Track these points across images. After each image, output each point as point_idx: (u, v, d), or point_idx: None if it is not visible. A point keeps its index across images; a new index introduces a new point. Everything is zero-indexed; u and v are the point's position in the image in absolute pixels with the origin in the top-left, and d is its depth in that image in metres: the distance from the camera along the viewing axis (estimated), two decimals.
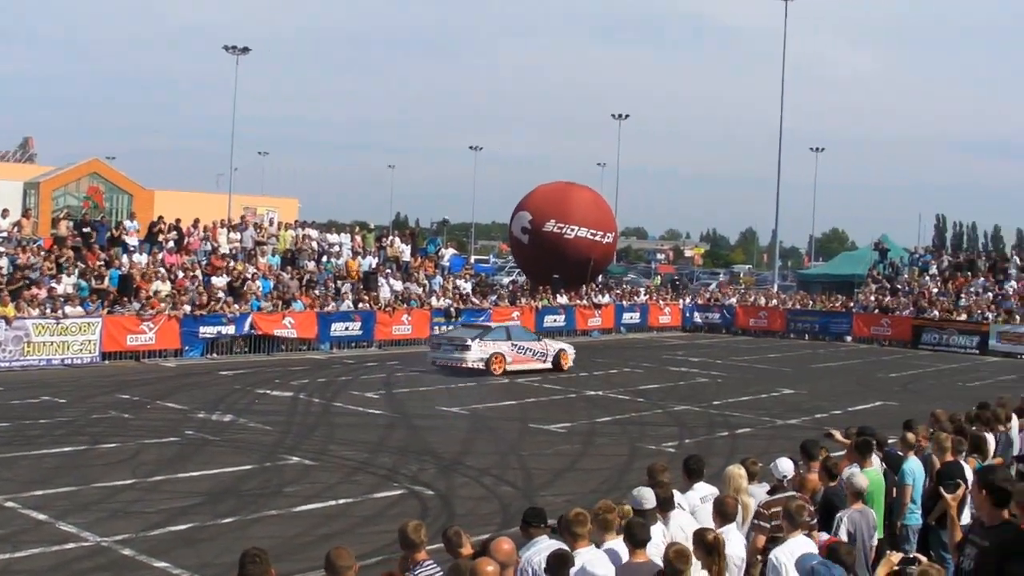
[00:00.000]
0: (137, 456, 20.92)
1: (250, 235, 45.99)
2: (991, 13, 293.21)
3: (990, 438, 15.07)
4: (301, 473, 19.87)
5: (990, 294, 56.36)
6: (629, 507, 10.05)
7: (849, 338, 55.04)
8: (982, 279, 58.62)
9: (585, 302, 53.74)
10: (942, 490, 9.93)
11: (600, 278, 60.76)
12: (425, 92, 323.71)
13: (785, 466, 12.30)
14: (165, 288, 38.73)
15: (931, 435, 14.08)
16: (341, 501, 17.77)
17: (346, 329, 42.50)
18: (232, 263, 42.72)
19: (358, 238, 51.46)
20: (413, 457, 21.83)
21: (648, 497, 10.25)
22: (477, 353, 35.53)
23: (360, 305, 43.54)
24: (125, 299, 37.20)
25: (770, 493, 11.81)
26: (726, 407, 30.19)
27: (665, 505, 10.54)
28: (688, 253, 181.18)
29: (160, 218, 44.28)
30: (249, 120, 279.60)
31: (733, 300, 61.52)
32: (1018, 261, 61.17)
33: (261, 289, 41.28)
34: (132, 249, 40.93)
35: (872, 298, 58.08)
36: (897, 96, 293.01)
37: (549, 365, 37.32)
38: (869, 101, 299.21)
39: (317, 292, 43.09)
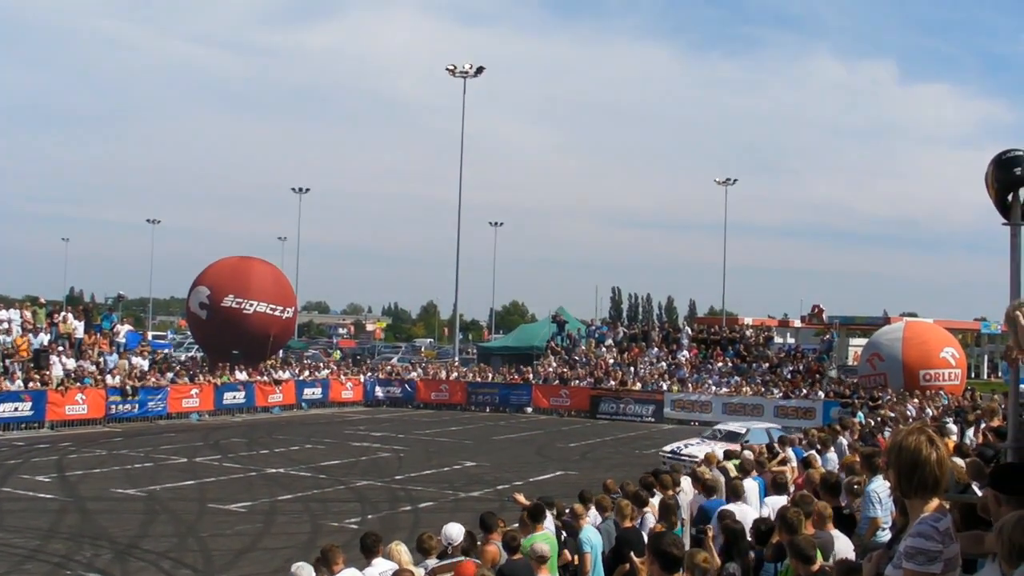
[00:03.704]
0: None
1: None
2: (649, 96, 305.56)
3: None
4: None
5: (664, 364, 58.47)
6: None
7: (530, 409, 56.08)
8: (656, 349, 60.81)
9: (266, 378, 53.20)
10: (632, 556, 10.19)
11: (280, 353, 60.29)
12: (99, 163, 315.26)
13: (453, 532, 12.54)
14: None
15: (613, 503, 14.46)
16: None
17: (15, 409, 40.79)
18: None
19: (28, 314, 49.63)
20: (87, 543, 21.11)
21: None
22: None
23: (30, 384, 41.93)
24: None
25: (440, 558, 12.03)
26: (409, 481, 30.31)
27: None
28: (370, 327, 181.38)
29: None
30: None
31: (414, 374, 61.82)
32: (689, 331, 63.79)
33: None
34: None
35: (551, 369, 59.38)
36: (571, 171, 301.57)
37: None
38: (544, 176, 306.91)
39: None
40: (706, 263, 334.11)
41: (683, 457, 30.19)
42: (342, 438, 41.61)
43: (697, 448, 30.84)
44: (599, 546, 13.61)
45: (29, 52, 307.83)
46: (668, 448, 33.00)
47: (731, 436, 31.93)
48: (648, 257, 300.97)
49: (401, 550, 11.78)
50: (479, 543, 12.64)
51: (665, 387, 54.58)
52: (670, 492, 16.26)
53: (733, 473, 18.05)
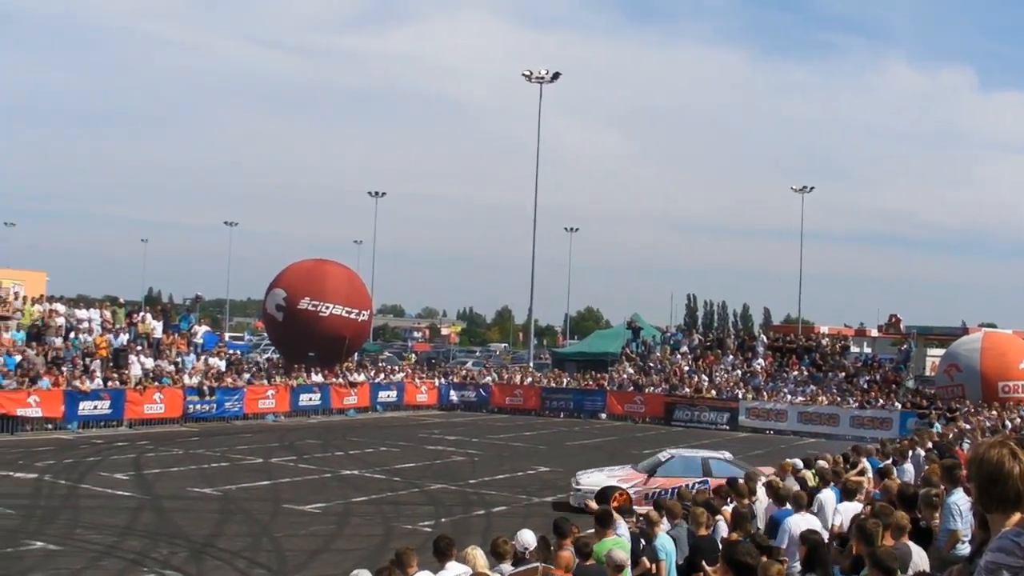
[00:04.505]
0: None
1: None
2: (726, 106, 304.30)
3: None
4: (44, 559, 19.15)
5: (739, 372, 58.15)
6: None
7: (604, 415, 55.95)
8: (731, 357, 60.49)
9: (341, 380, 53.43)
10: (704, 564, 10.12)
11: (355, 356, 60.50)
12: (178, 166, 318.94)
13: (527, 538, 12.48)
14: None
15: (685, 510, 14.39)
16: None
17: (95, 408, 41.22)
18: None
19: (108, 314, 50.23)
20: (163, 540, 21.26)
21: None
22: None
23: (110, 383, 42.39)
24: None
25: (514, 565, 11.95)
26: (482, 485, 30.30)
27: None
28: (445, 331, 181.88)
29: None
30: None
31: (489, 378, 61.86)
32: (765, 339, 63.39)
33: (5, 366, 39.86)
34: None
35: (626, 376, 59.22)
36: (644, 177, 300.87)
37: None
38: (618, 182, 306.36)
39: (64, 369, 41.77)
40: (781, 271, 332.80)
41: (579, 488, 26.64)
42: (416, 441, 41.69)
43: (591, 478, 27.32)
44: (673, 554, 13.53)
45: (106, 59, 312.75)
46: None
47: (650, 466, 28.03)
48: (723, 264, 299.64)
49: (477, 554, 11.75)
50: (553, 548, 12.59)
51: (740, 395, 54.27)
52: (745, 500, 16.16)
53: (811, 483, 17.89)
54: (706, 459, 27.30)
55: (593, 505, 15.15)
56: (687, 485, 24.23)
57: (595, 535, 12.89)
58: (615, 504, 24.49)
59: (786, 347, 61.72)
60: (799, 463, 20.57)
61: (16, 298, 49.61)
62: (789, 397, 53.77)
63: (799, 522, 13.83)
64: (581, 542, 12.24)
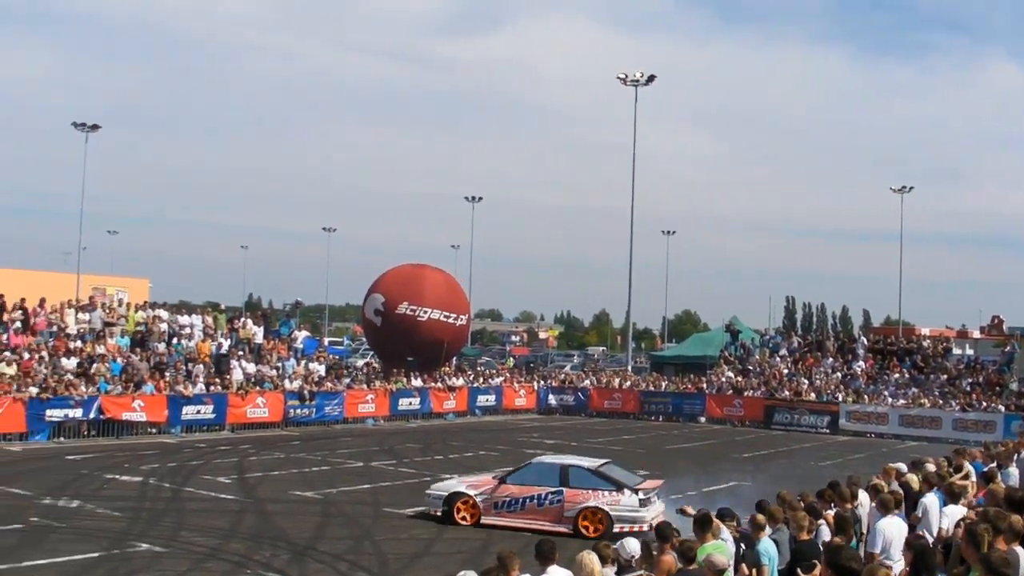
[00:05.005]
0: None
1: (99, 316, 45.20)
2: (821, 107, 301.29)
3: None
4: (150, 561, 19.39)
5: (839, 374, 57.58)
6: None
7: (703, 419, 55.68)
8: (831, 359, 59.90)
9: (439, 385, 53.64)
10: (799, 570, 10.02)
11: (454, 360, 60.73)
12: (276, 172, 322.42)
13: (632, 546, 12.40)
14: (10, 370, 37.83)
15: (786, 515, 14.24)
16: None
17: (198, 412, 41.75)
18: (80, 344, 41.95)
19: (209, 320, 50.88)
20: (266, 543, 21.46)
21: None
22: None
23: (212, 388, 42.92)
24: None
25: (618, 574, 11.87)
26: None
27: None
28: (542, 335, 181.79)
29: (0, 297, 43.19)
30: (98, 198, 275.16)
31: (587, 382, 61.78)
32: (865, 341, 62.68)
33: (110, 371, 40.51)
34: None
35: (724, 379, 58.90)
36: (740, 180, 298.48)
37: None
38: (714, 185, 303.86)
39: (167, 374, 42.36)
40: (880, 272, 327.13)
41: (430, 493, 25.16)
42: (515, 445, 41.71)
43: (444, 483, 25.82)
44: (776, 559, 13.40)
45: (206, 67, 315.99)
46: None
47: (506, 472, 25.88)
48: (821, 266, 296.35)
49: (593, 559, 11.69)
50: (655, 553, 12.52)
51: (840, 398, 53.72)
52: (848, 505, 15.98)
53: (916, 487, 17.65)
54: (567, 467, 24.58)
55: (690, 511, 15.01)
56: (540, 495, 23.75)
57: (697, 540, 12.81)
58: (459, 512, 24.33)
59: (887, 349, 61.02)
60: (903, 467, 20.29)
61: (120, 305, 50.41)
62: (890, 400, 53.13)
63: (890, 525, 13.69)
64: (685, 546, 12.16)
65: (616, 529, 22.64)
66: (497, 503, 24.16)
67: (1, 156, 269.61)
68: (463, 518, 24.06)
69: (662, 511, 23.70)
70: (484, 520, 23.94)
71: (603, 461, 26.08)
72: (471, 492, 24.44)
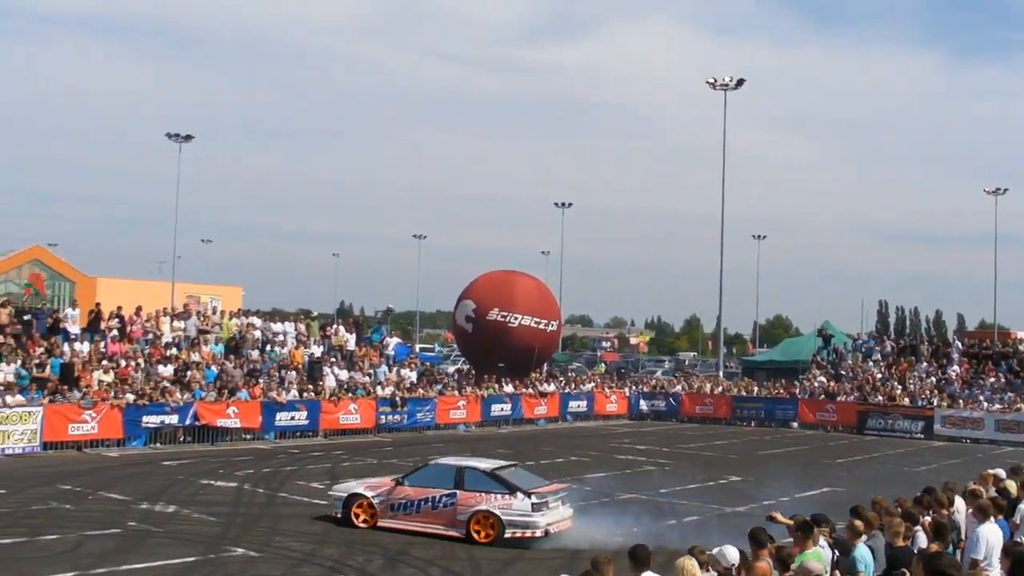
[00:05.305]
0: (78, 548, 20.54)
1: (193, 323, 45.75)
2: (913, 109, 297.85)
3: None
4: (246, 565, 19.59)
5: (933, 379, 56.87)
6: None
7: (795, 424, 55.32)
8: (925, 364, 59.19)
9: (531, 391, 53.69)
10: None
11: (545, 366, 60.75)
12: (366, 181, 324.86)
13: (732, 554, 12.31)
14: (108, 378, 38.42)
15: (882, 521, 14.10)
16: None
17: (291, 419, 42.14)
18: (175, 351, 42.50)
19: (302, 327, 51.28)
20: (359, 548, 21.58)
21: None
22: None
23: (305, 394, 43.27)
24: (66, 388, 36.83)
25: None
26: (673, 495, 30.11)
27: None
28: (633, 341, 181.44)
29: (97, 306, 43.94)
30: (192, 208, 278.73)
31: (679, 388, 61.54)
32: (960, 346, 61.83)
33: (205, 378, 40.99)
34: (73, 337, 40.66)
35: (817, 384, 58.40)
36: (831, 183, 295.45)
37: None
38: (805, 189, 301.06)
39: (261, 381, 42.76)
40: (974, 275, 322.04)
41: (332, 494, 25.21)
42: (607, 451, 41.65)
43: (345, 484, 25.55)
44: (871, 565, 13.26)
45: (296, 76, 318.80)
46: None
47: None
48: (914, 269, 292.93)
49: (693, 564, 11.65)
50: (749, 559, 12.44)
51: (935, 403, 53.03)
52: (944, 511, 15.79)
53: (1015, 493, 17.38)
54: (462, 469, 23.89)
55: (779, 517, 14.84)
56: (434, 497, 23.21)
57: (796, 546, 12.70)
58: (357, 515, 23.97)
59: (982, 353, 60.11)
60: (1001, 473, 19.97)
61: (214, 312, 51.00)
62: (986, 405, 52.37)
63: (991, 531, 13.52)
64: (784, 552, 12.07)
65: (508, 535, 22.41)
66: (393, 505, 23.72)
67: (100, 167, 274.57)
68: (363, 521, 23.72)
69: (568, 516, 23.63)
70: (381, 523, 23.56)
71: (505, 463, 25.58)
72: (368, 494, 24.04)
